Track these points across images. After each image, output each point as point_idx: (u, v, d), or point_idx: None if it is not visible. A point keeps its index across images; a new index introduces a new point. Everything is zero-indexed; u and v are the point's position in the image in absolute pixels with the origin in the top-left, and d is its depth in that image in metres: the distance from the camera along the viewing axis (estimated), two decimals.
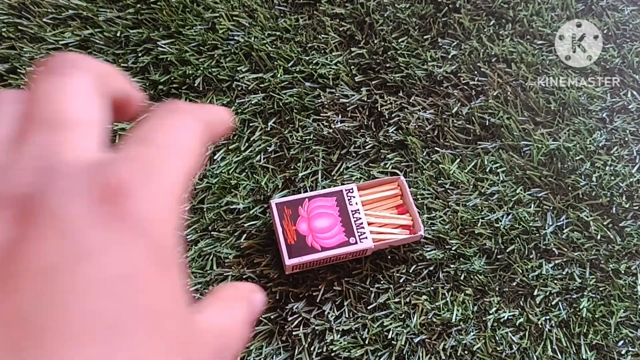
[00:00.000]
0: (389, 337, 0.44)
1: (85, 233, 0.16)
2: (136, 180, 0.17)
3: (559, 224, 0.48)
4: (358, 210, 0.45)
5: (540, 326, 0.45)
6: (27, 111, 0.18)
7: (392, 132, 0.51)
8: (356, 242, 0.44)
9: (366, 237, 0.44)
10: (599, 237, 0.48)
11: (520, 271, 0.46)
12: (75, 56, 0.20)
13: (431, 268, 0.47)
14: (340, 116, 0.52)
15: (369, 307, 0.45)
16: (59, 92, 0.19)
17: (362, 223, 0.45)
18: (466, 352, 0.44)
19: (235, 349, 0.21)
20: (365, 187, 0.47)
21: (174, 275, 0.18)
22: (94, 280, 0.16)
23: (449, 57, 0.54)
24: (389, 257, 0.47)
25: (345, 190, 0.46)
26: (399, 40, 0.55)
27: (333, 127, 0.51)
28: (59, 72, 0.19)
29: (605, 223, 0.48)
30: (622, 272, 0.47)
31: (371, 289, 0.46)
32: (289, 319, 0.45)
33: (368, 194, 0.47)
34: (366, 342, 0.44)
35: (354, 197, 0.46)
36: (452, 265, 0.46)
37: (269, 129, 0.52)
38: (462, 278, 0.46)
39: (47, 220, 0.16)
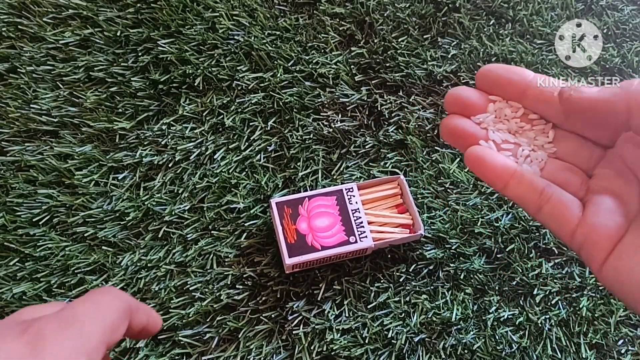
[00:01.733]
0: (389, 336, 0.44)
1: None
2: (50, 331, 0.23)
3: None
4: (358, 209, 0.45)
5: (540, 325, 0.45)
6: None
7: (392, 132, 0.51)
8: (356, 241, 0.44)
9: (366, 236, 0.44)
10: None
11: (520, 270, 0.46)
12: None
13: (431, 267, 0.47)
14: (340, 115, 0.52)
15: (369, 306, 0.45)
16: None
17: (362, 222, 0.45)
18: (466, 351, 0.44)
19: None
20: (365, 186, 0.47)
21: None
22: None
23: (449, 56, 0.54)
24: (389, 256, 0.47)
25: (346, 189, 0.46)
26: (399, 40, 0.55)
27: (333, 126, 0.51)
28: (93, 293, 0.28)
29: None
30: None
31: (371, 288, 0.46)
32: (289, 318, 0.45)
33: (368, 192, 0.47)
34: (366, 341, 0.44)
35: (354, 196, 0.46)
36: (452, 265, 0.46)
37: (269, 128, 0.52)
38: (462, 277, 0.46)
39: None
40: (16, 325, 0.23)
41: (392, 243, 0.46)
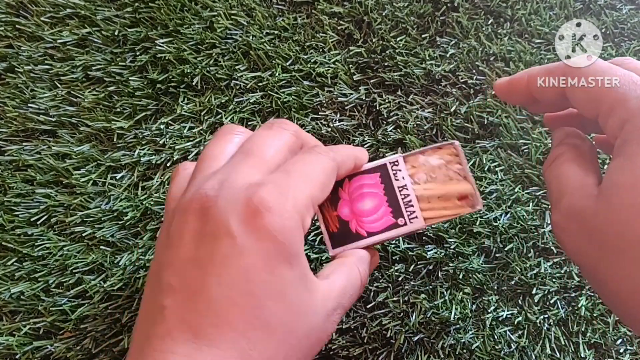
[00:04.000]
0: (388, 335, 0.44)
1: (233, 236, 0.26)
2: (272, 201, 0.27)
3: None
4: (405, 185, 0.39)
5: (538, 325, 0.45)
6: (244, 143, 0.31)
7: (390, 131, 0.51)
8: (405, 224, 0.38)
9: (416, 217, 0.38)
10: None
11: (519, 270, 0.46)
12: (285, 121, 0.33)
13: (430, 267, 0.46)
14: (338, 115, 0.52)
15: (367, 306, 0.45)
16: (263, 138, 0.31)
17: (410, 200, 0.38)
18: (465, 350, 0.44)
19: (352, 299, 0.33)
20: (413, 155, 0.40)
21: (297, 264, 0.28)
22: (234, 270, 0.26)
23: (447, 55, 0.54)
24: (388, 256, 0.47)
25: (390, 163, 0.39)
26: (397, 39, 0.55)
27: (331, 125, 0.51)
28: (272, 127, 0.33)
29: None
30: None
31: (370, 287, 0.46)
32: None
33: (417, 165, 0.40)
34: (365, 341, 0.44)
35: (400, 170, 0.39)
36: (450, 264, 0.46)
37: None
38: (460, 277, 0.46)
39: (215, 217, 0.27)
40: (241, 192, 0.27)
41: (445, 220, 0.39)
